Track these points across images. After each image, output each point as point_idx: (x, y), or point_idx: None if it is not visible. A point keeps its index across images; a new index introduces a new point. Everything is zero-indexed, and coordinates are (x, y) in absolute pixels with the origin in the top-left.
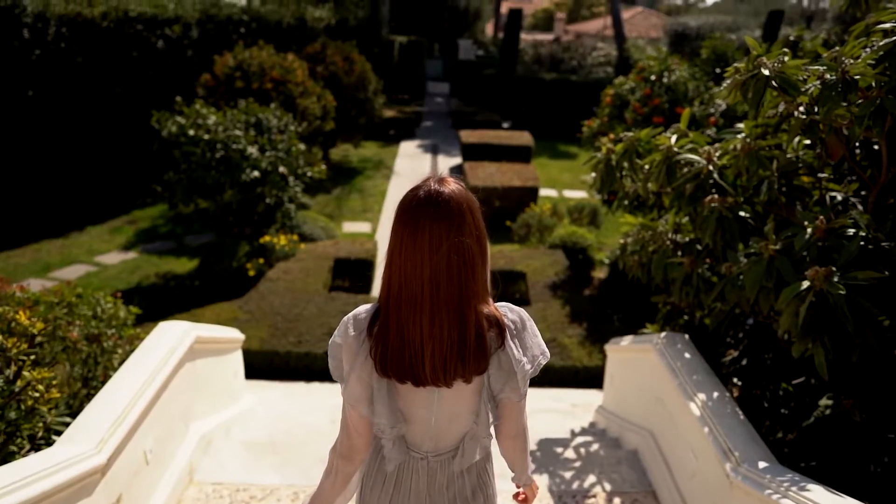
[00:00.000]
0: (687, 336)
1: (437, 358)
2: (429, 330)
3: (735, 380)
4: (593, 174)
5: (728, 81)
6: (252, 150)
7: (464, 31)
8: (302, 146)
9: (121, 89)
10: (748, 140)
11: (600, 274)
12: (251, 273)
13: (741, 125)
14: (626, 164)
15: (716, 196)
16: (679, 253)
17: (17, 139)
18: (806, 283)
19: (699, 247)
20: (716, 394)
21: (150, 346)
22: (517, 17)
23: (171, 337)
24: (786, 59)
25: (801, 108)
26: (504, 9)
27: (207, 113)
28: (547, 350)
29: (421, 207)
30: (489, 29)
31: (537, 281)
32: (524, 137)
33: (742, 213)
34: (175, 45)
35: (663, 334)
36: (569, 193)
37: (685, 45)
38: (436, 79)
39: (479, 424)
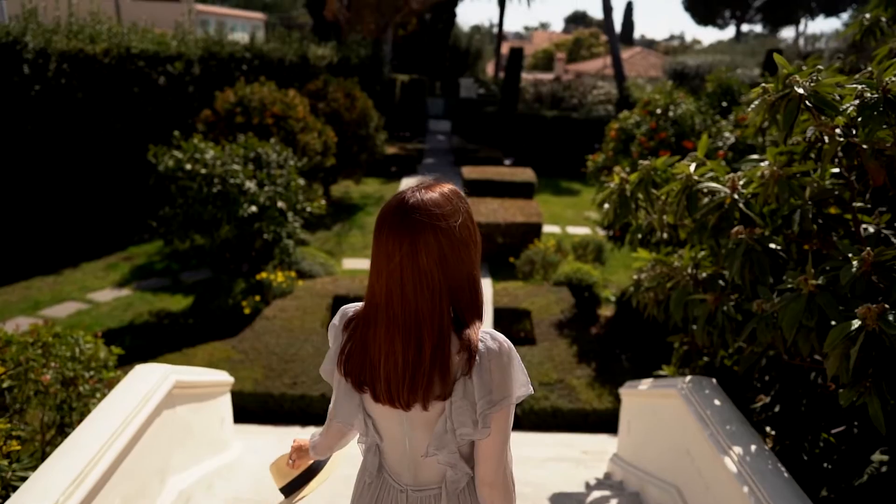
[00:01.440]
0: (714, 380)
1: (392, 375)
2: (384, 344)
3: (768, 428)
4: (606, 205)
5: (755, 103)
6: (250, 185)
7: (465, 70)
8: (301, 181)
9: (121, 125)
10: (777, 166)
11: (607, 312)
12: (247, 311)
13: (754, 156)
14: (640, 195)
15: (742, 227)
16: (700, 289)
17: (13, 174)
18: (857, 323)
19: (722, 282)
20: (753, 447)
21: (122, 393)
22: (518, 56)
23: (146, 382)
24: (820, 76)
25: (838, 131)
26: (504, 49)
27: (205, 147)
28: (525, 390)
29: (388, 213)
30: (490, 69)
31: (542, 319)
32: (526, 174)
33: (772, 246)
34: (176, 81)
35: (688, 378)
36: (572, 230)
37: (685, 83)
38: (437, 117)
39: (454, 467)
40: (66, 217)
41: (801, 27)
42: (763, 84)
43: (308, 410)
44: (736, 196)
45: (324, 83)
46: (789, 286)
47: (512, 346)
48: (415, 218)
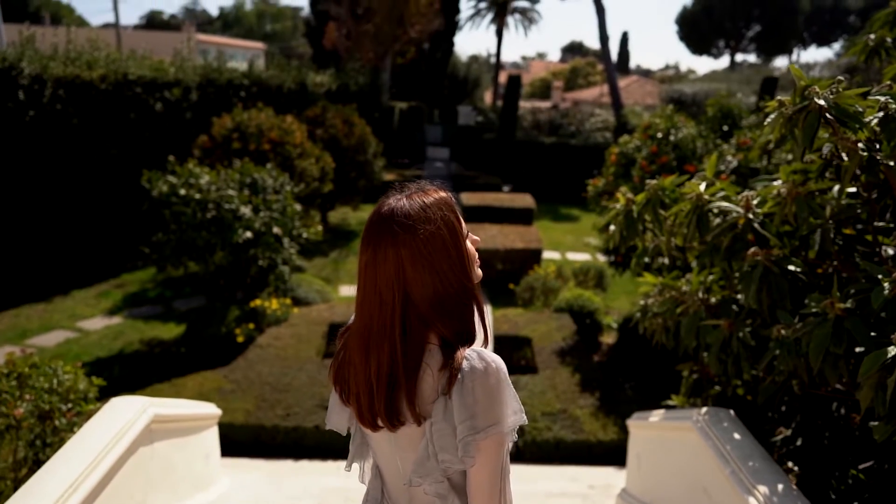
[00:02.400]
0: (732, 412)
1: (361, 390)
2: (354, 357)
3: (790, 464)
4: (612, 227)
5: (771, 117)
6: (245, 211)
7: (463, 99)
8: (298, 206)
9: (117, 150)
10: (794, 184)
11: (609, 339)
12: (240, 339)
13: (766, 176)
14: (648, 216)
15: (758, 248)
16: (713, 315)
17: (6, 200)
18: (893, 350)
19: (735, 307)
20: (780, 486)
21: (94, 429)
22: (516, 83)
23: (121, 416)
24: (841, 87)
25: (861, 145)
26: (502, 78)
27: (200, 172)
28: (516, 419)
29: (368, 219)
30: (488, 97)
31: (544, 347)
32: (526, 200)
33: (791, 268)
34: (174, 107)
35: (704, 410)
36: (572, 256)
37: (682, 110)
38: (436, 144)
39: (443, 499)
40: (58, 243)
41: (794, 56)
42: (778, 97)
43: (302, 443)
44: (750, 216)
45: (322, 110)
46: (813, 310)
47: (503, 368)
48: (381, 227)
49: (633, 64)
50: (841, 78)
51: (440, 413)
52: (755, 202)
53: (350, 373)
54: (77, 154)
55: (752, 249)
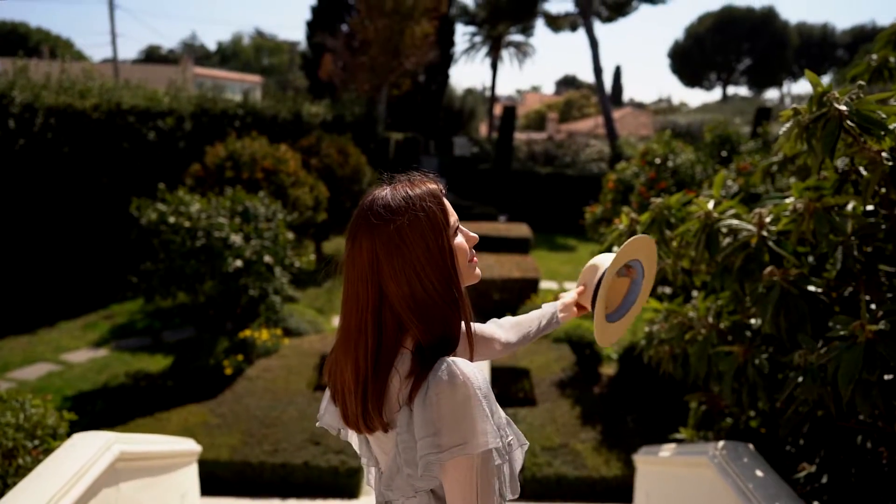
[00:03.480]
0: (752, 446)
1: (341, 391)
2: (340, 354)
3: (816, 503)
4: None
5: (786, 126)
6: (236, 239)
7: (459, 130)
8: (290, 235)
9: (108, 179)
10: (812, 199)
11: (609, 370)
12: (228, 371)
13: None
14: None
15: (775, 268)
16: (725, 341)
17: None
18: None
19: (749, 333)
20: None
21: (50, 469)
22: (511, 114)
23: (82, 454)
24: (862, 93)
25: (885, 155)
26: (497, 110)
27: (190, 200)
28: (486, 440)
29: (355, 209)
30: (483, 129)
31: (543, 378)
32: (522, 229)
33: (811, 288)
34: (167, 136)
35: (721, 444)
36: (570, 286)
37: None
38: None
39: None
40: (46, 274)
41: (785, 88)
42: (793, 105)
43: (290, 480)
44: (764, 233)
45: (317, 139)
46: (840, 333)
47: (475, 382)
48: (358, 218)
49: (626, 97)
50: (862, 83)
51: (404, 424)
52: (768, 220)
53: (336, 371)
54: (67, 183)
55: (769, 269)
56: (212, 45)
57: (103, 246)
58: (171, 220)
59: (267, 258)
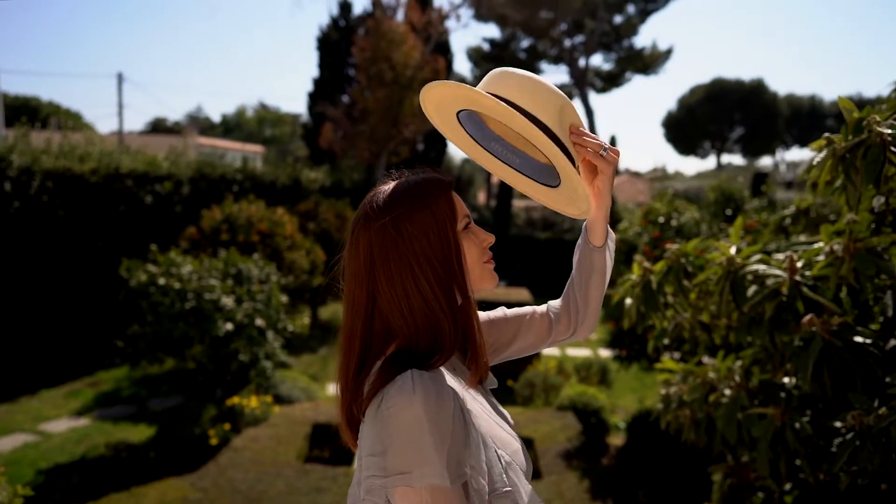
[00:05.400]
0: None
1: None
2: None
3: None
4: (628, 300)
5: (819, 157)
6: (227, 301)
7: None
8: (284, 298)
9: (102, 243)
10: (853, 238)
11: (617, 440)
12: (213, 441)
13: (794, 243)
14: (669, 288)
15: (814, 316)
16: (756, 402)
17: None
18: None
19: (783, 393)
20: None
21: None
22: None
23: None
24: None
25: None
26: (495, 178)
27: (182, 261)
28: (428, 478)
29: None
30: (482, 196)
31: (548, 449)
32: (521, 294)
33: (858, 339)
34: (164, 200)
35: None
36: (572, 351)
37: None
38: None
39: None
40: (32, 339)
41: (778, 157)
42: (826, 135)
43: None
44: (798, 279)
45: (315, 204)
46: None
47: (431, 405)
48: (359, 213)
49: (622, 166)
50: None
51: (361, 438)
52: (800, 264)
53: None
54: (60, 246)
55: (808, 318)
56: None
57: (94, 310)
58: (161, 281)
59: (259, 321)
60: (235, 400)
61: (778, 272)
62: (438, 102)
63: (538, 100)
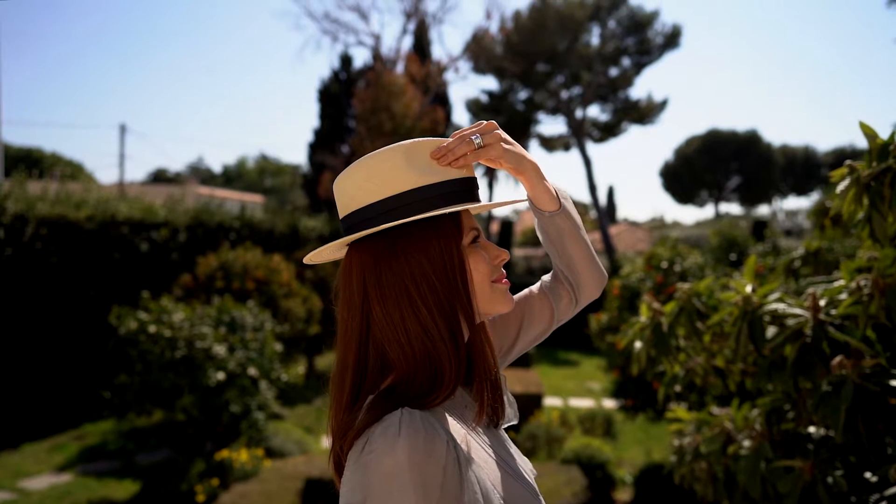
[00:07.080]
0: None
1: None
2: None
3: None
4: (637, 343)
5: (843, 185)
6: (219, 350)
7: None
8: (278, 346)
9: (94, 291)
10: (881, 273)
11: (623, 495)
12: (200, 498)
13: (813, 281)
14: (681, 331)
15: (844, 358)
16: (781, 453)
17: None
18: None
19: (810, 444)
20: None
21: None
22: (508, 229)
23: None
24: None
25: None
26: (494, 227)
27: (174, 308)
28: None
29: None
30: None
31: None
32: None
33: (893, 383)
34: (160, 248)
35: None
36: (575, 402)
37: None
38: None
39: None
40: (16, 391)
41: (775, 205)
42: (848, 162)
43: None
44: (822, 317)
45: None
46: None
47: (420, 451)
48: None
49: (620, 216)
50: None
51: (342, 483)
52: (822, 302)
53: None
54: (51, 294)
55: (837, 359)
56: (217, 168)
57: (84, 360)
58: (152, 328)
59: (252, 371)
60: (225, 454)
61: (800, 311)
62: (324, 256)
63: (379, 179)
